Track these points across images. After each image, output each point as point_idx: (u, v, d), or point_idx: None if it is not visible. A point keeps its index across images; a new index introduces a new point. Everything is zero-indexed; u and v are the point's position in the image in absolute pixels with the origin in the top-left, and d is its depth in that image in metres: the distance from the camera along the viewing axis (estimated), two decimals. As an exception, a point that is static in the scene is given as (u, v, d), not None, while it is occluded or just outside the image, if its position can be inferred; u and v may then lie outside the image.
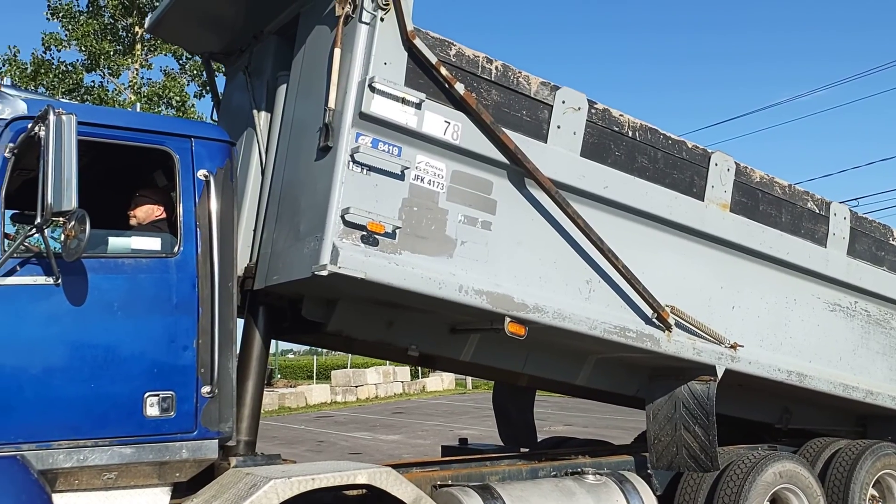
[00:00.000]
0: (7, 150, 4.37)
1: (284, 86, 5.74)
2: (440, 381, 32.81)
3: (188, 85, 22.03)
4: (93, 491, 4.48)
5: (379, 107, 4.95)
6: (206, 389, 4.71)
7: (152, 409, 4.55)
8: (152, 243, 4.85)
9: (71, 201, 4.02)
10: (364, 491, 5.13)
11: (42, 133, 4.15)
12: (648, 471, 6.74)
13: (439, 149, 5.23)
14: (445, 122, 5.22)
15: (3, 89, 4.64)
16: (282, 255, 5.24)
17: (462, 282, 5.23)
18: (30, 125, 4.30)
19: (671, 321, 6.15)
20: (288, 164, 5.45)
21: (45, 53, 21.71)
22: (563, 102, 5.73)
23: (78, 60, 21.95)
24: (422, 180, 5.19)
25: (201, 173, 4.90)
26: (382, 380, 30.84)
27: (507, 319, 5.42)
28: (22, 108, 4.48)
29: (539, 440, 8.89)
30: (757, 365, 6.77)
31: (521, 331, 5.51)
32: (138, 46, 22.14)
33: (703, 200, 6.46)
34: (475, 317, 5.63)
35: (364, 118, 4.92)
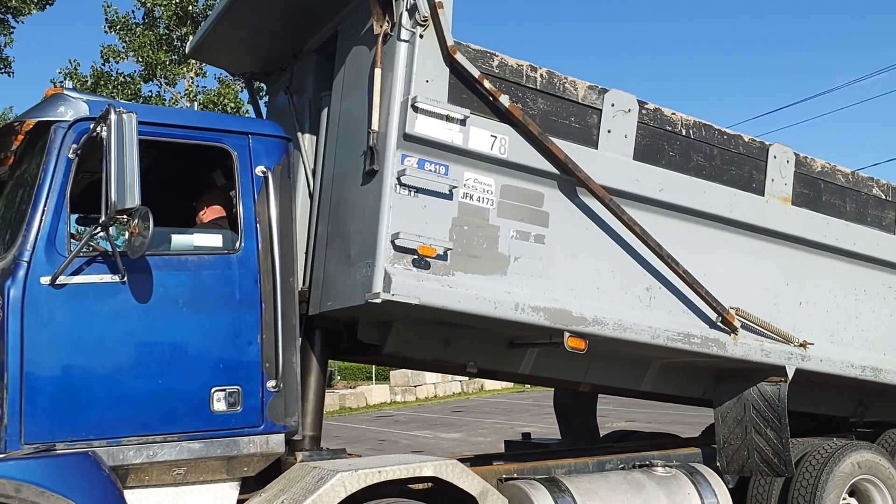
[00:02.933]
0: (71, 151, 4.44)
1: (327, 107, 5.66)
2: (498, 380, 32.60)
3: (242, 91, 22.24)
4: (163, 487, 4.55)
5: (423, 126, 4.83)
6: (271, 384, 4.73)
7: (219, 404, 4.59)
8: (214, 240, 4.88)
9: (134, 199, 4.05)
10: (429, 484, 5.11)
11: (104, 133, 4.20)
12: (717, 459, 6.55)
13: (487, 164, 5.10)
14: (492, 136, 5.08)
15: (65, 92, 4.73)
16: (334, 281, 5.16)
17: (518, 299, 5.10)
18: (92, 126, 4.36)
19: (737, 324, 5.93)
20: (335, 188, 5.37)
21: (104, 65, 22.29)
22: (613, 105, 5.55)
23: (135, 71, 22.52)
24: (471, 198, 5.06)
25: (259, 170, 4.92)
26: (441, 379, 30.73)
27: (567, 334, 5.28)
28: (84, 110, 4.54)
29: (602, 435, 8.71)
30: (829, 362, 6.52)
31: (582, 345, 5.36)
32: (193, 55, 22.41)
33: (763, 195, 6.22)
34: (533, 332, 5.50)
35: (408, 139, 4.81)
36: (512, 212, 5.20)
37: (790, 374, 6.24)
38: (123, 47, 22.28)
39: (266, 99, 7.08)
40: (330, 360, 6.26)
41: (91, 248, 4.40)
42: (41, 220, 4.34)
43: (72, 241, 4.45)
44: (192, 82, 22.85)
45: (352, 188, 5.13)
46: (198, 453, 4.53)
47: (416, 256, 4.82)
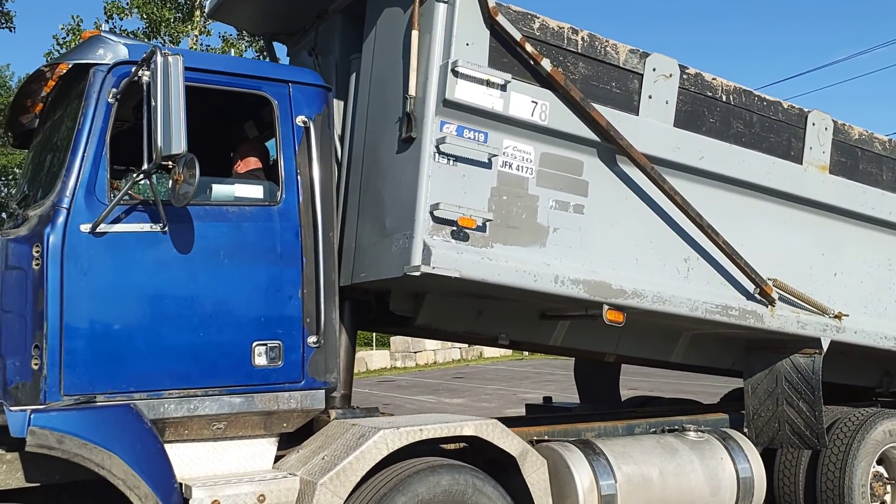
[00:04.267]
0: (111, 95, 4.29)
1: (357, 71, 5.44)
2: (497, 348, 32.13)
3: (246, 50, 21.80)
4: (201, 441, 4.45)
5: (463, 92, 4.65)
6: (312, 339, 4.64)
7: (260, 359, 4.49)
8: (255, 191, 4.74)
9: (180, 144, 3.89)
10: (463, 445, 5.06)
11: (145, 77, 4.06)
12: (745, 429, 6.48)
13: (527, 131, 4.93)
14: (532, 102, 4.90)
15: (103, 34, 4.57)
16: (368, 252, 5.00)
17: (557, 272, 4.96)
18: (133, 69, 4.20)
19: (774, 295, 5.82)
20: (367, 155, 5.18)
21: (108, 22, 21.73)
22: (654, 70, 5.36)
23: (139, 28, 21.95)
24: (510, 167, 4.90)
25: (300, 119, 4.78)
26: (440, 346, 30.67)
27: (606, 307, 5.15)
28: (123, 53, 4.39)
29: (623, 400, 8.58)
30: (863, 334, 6.42)
31: (620, 318, 5.23)
32: (197, 13, 21.92)
33: (801, 164, 6.06)
34: (569, 305, 5.37)
35: (448, 105, 4.64)
36: (551, 181, 5.03)
37: (825, 346, 6.14)
38: (127, 4, 21.77)
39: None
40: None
41: (130, 197, 4.25)
42: (81, 166, 4.19)
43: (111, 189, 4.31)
44: (196, 40, 22.38)
45: (386, 156, 4.95)
46: (238, 408, 4.43)
47: (455, 228, 4.67)
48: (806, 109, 6.15)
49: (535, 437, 5.59)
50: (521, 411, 17.10)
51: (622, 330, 6.15)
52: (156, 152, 3.93)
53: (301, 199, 4.69)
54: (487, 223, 4.77)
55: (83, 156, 4.20)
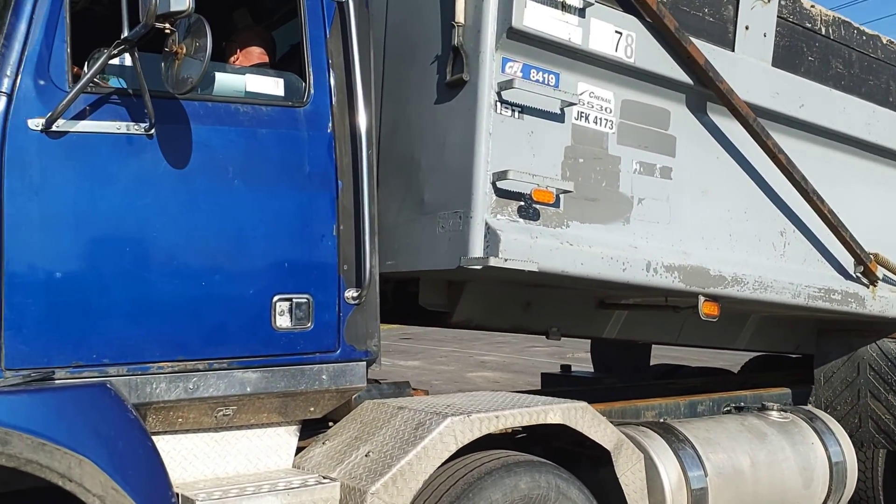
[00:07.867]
0: None
1: (367, -7, 4.14)
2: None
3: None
4: (200, 432, 3.25)
5: (533, 18, 3.44)
6: (351, 294, 3.37)
7: (283, 319, 3.25)
8: (273, 85, 3.39)
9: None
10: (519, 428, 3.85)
11: None
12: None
13: (605, 72, 3.77)
14: (616, 32, 3.71)
15: None
16: (396, 233, 3.78)
17: (648, 256, 3.82)
18: None
19: (879, 274, 4.80)
20: (388, 103, 3.91)
21: None
22: (751, -7, 4.21)
23: None
24: (587, 119, 3.72)
25: None
26: (383, 302, 29.66)
27: (702, 299, 4.04)
28: None
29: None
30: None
31: (716, 310, 4.15)
32: None
33: (901, 112, 5.03)
34: (645, 293, 4.26)
35: (513, 36, 3.42)
36: (634, 137, 3.88)
37: (925, 330, 5.19)
38: None
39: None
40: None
41: (101, 83, 2.93)
42: (28, 33, 2.83)
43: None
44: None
45: (419, 106, 3.71)
46: (254, 386, 3.19)
47: (523, 203, 3.48)
48: (905, 44, 5.10)
49: None
50: (487, 375, 16.21)
51: (685, 317, 5.10)
52: (146, 10, 2.66)
53: (335, 99, 3.34)
54: (562, 195, 3.59)
55: (31, 19, 2.85)
